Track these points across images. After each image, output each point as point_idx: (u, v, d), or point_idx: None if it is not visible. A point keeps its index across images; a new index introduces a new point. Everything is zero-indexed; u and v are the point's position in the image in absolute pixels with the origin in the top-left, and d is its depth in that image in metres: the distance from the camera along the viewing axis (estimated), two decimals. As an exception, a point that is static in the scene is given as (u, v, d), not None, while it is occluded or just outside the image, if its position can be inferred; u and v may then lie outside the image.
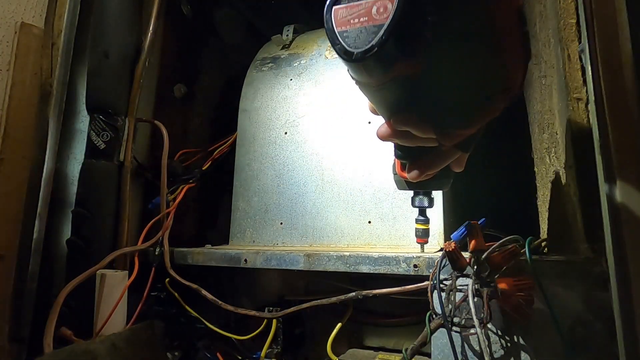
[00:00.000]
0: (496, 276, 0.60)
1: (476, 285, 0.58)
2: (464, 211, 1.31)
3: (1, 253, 0.81)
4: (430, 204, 0.71)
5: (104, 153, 0.87)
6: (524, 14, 0.40)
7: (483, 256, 0.60)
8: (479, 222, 0.63)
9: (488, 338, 0.60)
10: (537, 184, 0.92)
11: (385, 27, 0.33)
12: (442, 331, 0.61)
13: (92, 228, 0.85)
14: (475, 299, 0.57)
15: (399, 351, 0.80)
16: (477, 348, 0.60)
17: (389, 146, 0.92)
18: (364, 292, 0.72)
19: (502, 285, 0.56)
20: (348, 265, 0.75)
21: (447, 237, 0.83)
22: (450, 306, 0.59)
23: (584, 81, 0.60)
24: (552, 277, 0.59)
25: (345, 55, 0.35)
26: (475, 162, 1.50)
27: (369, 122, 0.96)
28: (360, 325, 0.86)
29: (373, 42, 0.34)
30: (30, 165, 0.86)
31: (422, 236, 0.73)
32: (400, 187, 0.67)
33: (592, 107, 0.57)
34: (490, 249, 0.61)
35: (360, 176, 0.94)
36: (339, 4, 0.37)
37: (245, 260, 0.84)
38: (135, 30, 0.95)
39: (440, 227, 0.84)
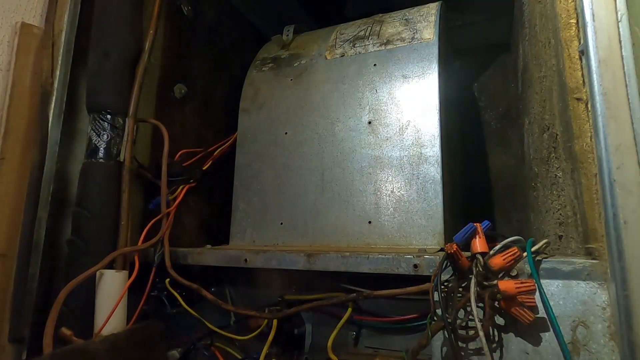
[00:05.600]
0: (498, 278, 0.60)
1: (477, 288, 0.58)
2: (464, 211, 1.31)
3: (2, 252, 0.81)
4: None
5: (104, 153, 0.87)
6: None
7: (485, 258, 0.60)
8: (482, 224, 0.63)
9: (489, 340, 0.60)
10: (538, 185, 0.91)
11: None
12: (443, 333, 0.60)
13: (92, 228, 0.84)
14: (477, 301, 0.57)
15: (400, 351, 0.80)
16: (478, 350, 0.60)
17: (389, 146, 0.92)
18: (365, 293, 0.72)
19: (503, 287, 0.56)
20: (348, 265, 0.74)
21: (447, 237, 0.83)
22: (451, 308, 0.59)
23: (584, 81, 0.60)
24: (553, 279, 0.59)
25: None
26: (476, 163, 1.50)
27: (369, 122, 0.96)
28: (361, 325, 0.86)
29: None
30: (30, 165, 0.86)
31: None
32: None
33: (591, 107, 0.57)
34: (492, 251, 0.61)
35: (360, 176, 0.93)
36: None
37: (246, 260, 0.84)
38: (136, 31, 0.95)
39: (440, 226, 0.84)
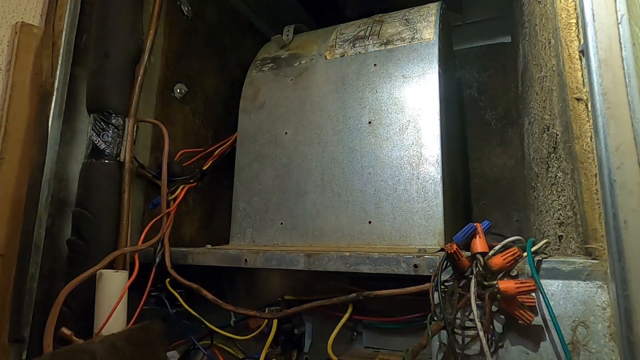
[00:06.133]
0: (498, 278, 0.60)
1: (477, 288, 0.58)
2: (464, 211, 1.31)
3: (1, 252, 0.81)
4: None
5: (104, 153, 0.87)
6: None
7: (485, 258, 0.60)
8: (482, 224, 0.63)
9: (489, 340, 0.60)
10: (538, 185, 0.91)
11: None
12: (443, 333, 0.60)
13: (93, 228, 0.84)
14: (477, 301, 0.57)
15: (400, 351, 0.80)
16: (478, 350, 0.60)
17: (389, 146, 0.92)
18: (365, 293, 0.72)
19: (503, 287, 0.56)
20: (348, 265, 0.74)
21: (447, 237, 0.83)
22: (451, 308, 0.59)
23: (584, 81, 0.60)
24: (553, 279, 0.59)
25: None
26: (476, 163, 1.50)
27: (369, 122, 0.96)
28: (361, 325, 0.86)
29: None
30: (30, 165, 0.86)
31: None
32: None
33: (591, 107, 0.57)
34: (492, 251, 0.60)
35: (360, 176, 0.93)
36: None
37: (246, 260, 0.84)
38: (136, 31, 0.95)
39: (440, 226, 0.84)
